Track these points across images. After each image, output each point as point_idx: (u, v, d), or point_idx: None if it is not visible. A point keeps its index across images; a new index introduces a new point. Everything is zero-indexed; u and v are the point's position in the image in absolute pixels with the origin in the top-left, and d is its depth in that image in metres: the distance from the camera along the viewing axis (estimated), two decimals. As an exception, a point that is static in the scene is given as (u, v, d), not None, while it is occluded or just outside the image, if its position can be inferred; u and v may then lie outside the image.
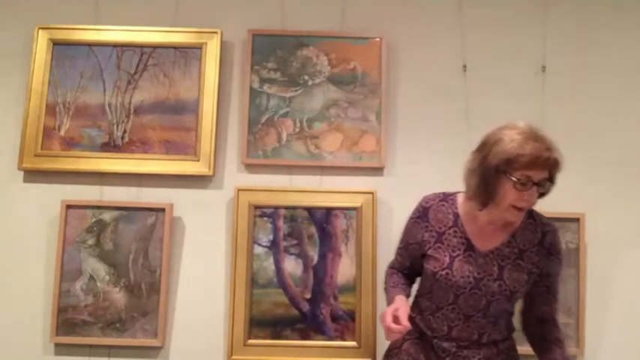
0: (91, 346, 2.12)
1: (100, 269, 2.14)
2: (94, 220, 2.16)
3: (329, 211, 2.17)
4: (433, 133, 2.25)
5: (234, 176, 2.22)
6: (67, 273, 2.13)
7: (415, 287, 1.78)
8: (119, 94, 2.23)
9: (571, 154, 2.20)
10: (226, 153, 2.24)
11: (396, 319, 1.52)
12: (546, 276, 1.64)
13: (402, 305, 1.58)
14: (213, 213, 2.20)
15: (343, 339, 2.12)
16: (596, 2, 2.32)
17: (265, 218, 2.17)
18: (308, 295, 2.14)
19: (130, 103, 2.22)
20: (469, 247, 1.62)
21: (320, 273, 2.15)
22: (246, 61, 2.25)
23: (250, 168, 2.23)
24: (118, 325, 2.11)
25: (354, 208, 2.17)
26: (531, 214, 1.65)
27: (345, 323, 2.13)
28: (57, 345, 2.13)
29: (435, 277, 1.61)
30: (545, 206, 1.92)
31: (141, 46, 2.25)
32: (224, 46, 2.27)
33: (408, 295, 1.71)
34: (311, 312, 2.13)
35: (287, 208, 2.18)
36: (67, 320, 2.11)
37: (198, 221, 2.20)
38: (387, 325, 1.51)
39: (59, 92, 2.22)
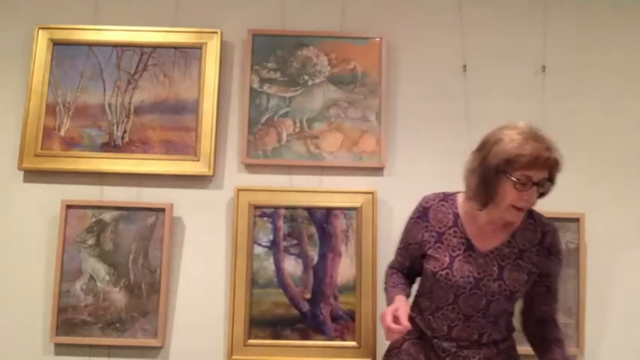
0: (91, 346, 2.12)
1: (100, 269, 2.14)
2: (94, 220, 2.16)
3: (329, 211, 2.17)
4: (433, 133, 2.25)
5: (234, 176, 2.22)
6: (67, 273, 2.13)
7: (415, 287, 1.78)
8: (119, 94, 2.23)
9: (571, 154, 2.20)
10: (226, 153, 2.24)
11: (396, 319, 1.52)
12: (546, 276, 1.65)
13: (402, 305, 1.58)
14: (213, 213, 2.20)
15: (343, 339, 2.12)
16: (596, 2, 2.32)
17: (265, 218, 2.17)
18: (308, 295, 2.14)
19: (130, 103, 2.22)
20: (469, 247, 1.62)
21: (320, 273, 2.15)
22: (246, 61, 2.25)
23: (250, 168, 2.23)
24: (118, 325, 2.11)
25: (354, 208, 2.17)
26: (531, 214, 1.65)
27: (345, 323, 2.13)
28: (57, 345, 2.13)
29: (435, 277, 1.61)
30: (545, 206, 1.92)
31: (141, 46, 2.25)
32: (224, 46, 2.27)
33: (408, 295, 1.71)
34: (311, 312, 2.13)
35: (287, 208, 2.18)
36: (67, 320, 2.11)
37: (198, 221, 2.20)
38: (387, 325, 1.51)
39: (59, 92, 2.22)
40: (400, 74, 2.28)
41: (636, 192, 2.24)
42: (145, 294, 2.13)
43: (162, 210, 2.16)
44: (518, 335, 1.72)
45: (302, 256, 2.16)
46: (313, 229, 2.17)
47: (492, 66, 2.28)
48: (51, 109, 2.21)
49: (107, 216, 2.16)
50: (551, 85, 2.27)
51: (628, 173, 2.24)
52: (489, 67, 2.28)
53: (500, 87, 2.27)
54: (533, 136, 1.49)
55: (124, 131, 2.21)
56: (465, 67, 2.28)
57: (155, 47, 2.25)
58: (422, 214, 1.69)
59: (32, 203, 2.20)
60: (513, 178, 1.48)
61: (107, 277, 2.14)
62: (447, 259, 1.61)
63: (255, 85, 2.24)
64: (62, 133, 2.21)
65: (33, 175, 2.21)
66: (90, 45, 2.25)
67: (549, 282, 1.66)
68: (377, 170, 2.22)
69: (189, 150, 2.19)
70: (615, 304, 2.18)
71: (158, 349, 2.13)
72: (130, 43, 2.25)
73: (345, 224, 2.17)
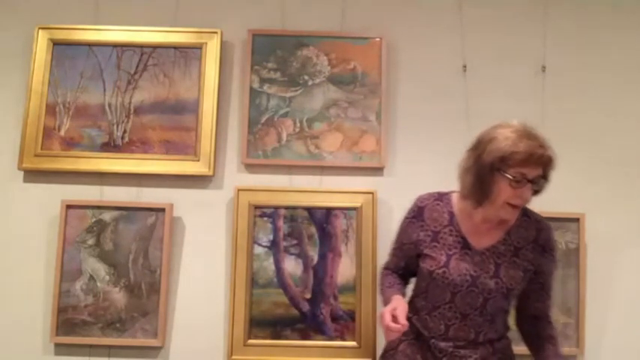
0: (91, 346, 2.12)
1: (100, 269, 2.14)
2: (94, 220, 2.16)
3: (329, 211, 2.17)
4: (433, 133, 2.25)
5: (234, 176, 2.22)
6: (67, 273, 2.13)
7: (410, 288, 1.78)
8: (119, 94, 2.23)
9: (571, 154, 2.23)
10: (226, 153, 2.24)
11: (394, 319, 1.52)
12: (541, 273, 1.66)
13: (400, 304, 1.58)
14: (213, 213, 2.20)
15: (343, 339, 2.12)
16: (596, 2, 2.32)
17: (265, 218, 2.17)
18: (308, 295, 2.14)
19: (130, 103, 2.22)
20: (465, 245, 1.63)
21: (320, 273, 2.15)
22: (246, 61, 2.25)
23: (250, 168, 2.23)
24: (118, 325, 2.11)
25: (354, 208, 2.17)
26: (525, 212, 1.67)
27: (345, 323, 2.13)
28: (57, 345, 2.13)
29: (431, 275, 1.62)
30: (546, 206, 1.92)
31: (141, 46, 2.25)
32: (224, 46, 2.27)
33: (403, 296, 1.71)
34: (311, 312, 2.13)
35: (287, 208, 2.18)
36: (67, 320, 2.11)
37: (198, 221, 2.20)
38: (386, 324, 1.51)
39: (59, 92, 2.22)
40: (400, 74, 2.28)
41: (636, 192, 2.24)
42: (145, 294, 2.13)
43: (162, 210, 2.16)
44: (514, 334, 1.73)
45: (302, 256, 2.16)
46: (313, 229, 2.17)
47: (492, 66, 2.28)
48: (51, 109, 2.21)
49: (107, 216, 2.16)
50: (551, 85, 2.27)
51: (628, 173, 2.24)
52: (489, 67, 2.28)
53: (500, 87, 2.27)
54: (526, 134, 1.51)
55: (124, 131, 2.21)
56: (465, 67, 2.28)
57: (155, 47, 2.25)
58: (417, 214, 1.70)
59: (32, 203, 2.20)
60: (508, 176, 1.50)
61: (107, 277, 2.14)
62: (444, 258, 1.62)
63: (255, 85, 2.24)
64: (62, 133, 2.21)
65: (33, 175, 2.21)
66: (90, 45, 2.25)
67: (543, 279, 1.67)
68: (377, 170, 2.22)
69: (189, 150, 2.19)
70: (615, 304, 2.18)
71: (158, 349, 2.13)
72: (130, 43, 2.25)
73: (345, 224, 2.17)
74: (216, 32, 2.25)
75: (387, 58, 2.26)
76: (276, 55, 2.26)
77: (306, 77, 2.25)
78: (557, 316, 2.11)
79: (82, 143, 2.20)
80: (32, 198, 2.20)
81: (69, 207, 2.15)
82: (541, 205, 2.04)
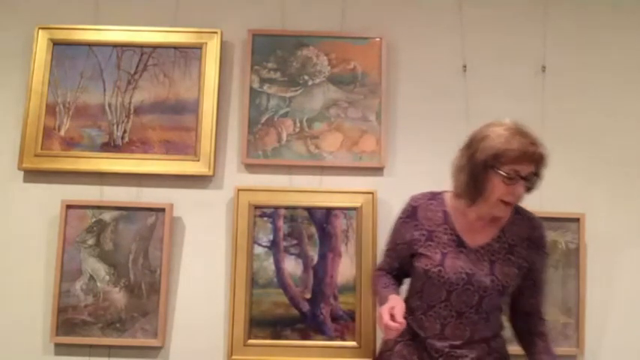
0: (91, 346, 2.12)
1: (100, 269, 2.14)
2: (94, 220, 2.16)
3: (329, 211, 2.17)
4: (433, 133, 2.25)
5: (234, 176, 2.22)
6: (67, 273, 2.13)
7: (404, 289, 1.78)
8: (119, 94, 2.23)
9: (571, 154, 2.23)
10: (226, 153, 2.24)
11: (392, 318, 1.53)
12: (534, 270, 1.67)
13: (398, 303, 1.58)
14: (213, 213, 2.20)
15: (343, 339, 2.12)
16: (596, 2, 2.32)
17: (265, 218, 2.17)
18: (308, 295, 2.14)
19: (130, 103, 2.22)
20: (460, 243, 1.64)
21: (320, 273, 2.15)
22: (246, 61, 2.25)
23: (250, 168, 2.23)
24: (118, 325, 2.11)
25: (354, 208, 2.17)
26: (518, 210, 1.68)
27: (345, 323, 2.13)
28: (57, 345, 2.13)
29: (427, 274, 1.63)
30: (546, 206, 1.92)
31: (141, 46, 2.25)
32: (224, 46, 2.27)
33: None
34: (311, 312, 2.13)
35: (287, 208, 2.18)
36: (67, 320, 2.11)
37: (198, 221, 2.20)
38: (385, 323, 1.52)
39: (59, 92, 2.22)
40: (400, 74, 2.28)
41: (636, 192, 2.24)
42: (145, 294, 2.13)
43: (162, 210, 2.16)
44: (508, 334, 1.74)
45: (302, 256, 2.16)
46: (313, 229, 2.17)
47: (492, 66, 2.28)
48: (51, 109, 2.21)
49: (107, 216, 2.16)
50: (551, 85, 2.27)
51: (628, 173, 2.24)
52: (489, 67, 2.28)
53: (500, 87, 2.27)
54: (519, 131, 1.54)
55: (124, 131, 2.21)
56: (465, 67, 2.28)
57: (155, 47, 2.25)
58: (411, 214, 1.71)
59: (32, 203, 2.20)
60: (502, 173, 1.52)
61: (107, 277, 2.14)
62: (439, 257, 1.63)
63: (255, 85, 2.24)
64: (62, 133, 2.21)
65: (33, 175, 2.21)
66: (90, 45, 2.25)
67: (536, 276, 1.69)
68: (377, 170, 2.22)
69: (189, 150, 2.19)
70: (615, 304, 2.18)
71: (158, 349, 2.13)
72: (130, 43, 2.25)
73: (345, 224, 2.17)
74: (216, 32, 2.25)
75: (387, 58, 2.26)
76: (276, 55, 2.26)
77: (306, 77, 2.25)
78: (557, 316, 2.12)
79: (82, 143, 2.20)
80: (32, 198, 2.20)
81: (69, 207, 2.15)
82: (541, 205, 2.05)
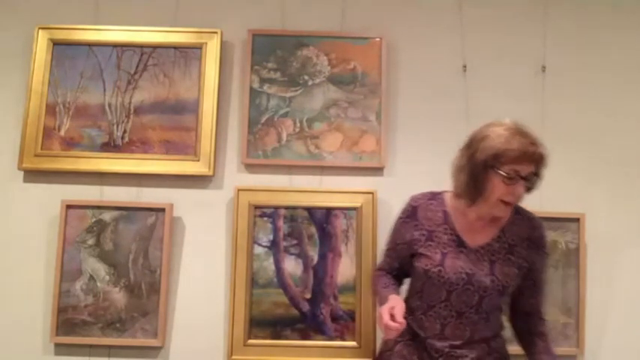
0: (91, 346, 2.12)
1: (100, 269, 2.14)
2: (94, 220, 2.16)
3: (329, 211, 2.17)
4: (433, 133, 2.25)
5: (234, 176, 2.22)
6: (67, 273, 2.13)
7: (404, 289, 1.78)
8: (119, 94, 2.23)
9: (571, 154, 2.23)
10: (226, 153, 2.24)
11: (392, 317, 1.53)
12: (534, 270, 1.67)
13: (398, 303, 1.59)
14: (213, 213, 2.20)
15: (343, 339, 2.12)
16: (596, 2, 2.32)
17: (265, 218, 2.17)
18: (308, 295, 2.14)
19: (130, 103, 2.22)
20: (460, 243, 1.64)
21: (320, 273, 2.15)
22: (246, 61, 2.25)
23: (250, 168, 2.23)
24: (118, 325, 2.11)
25: (354, 208, 2.17)
26: (517, 210, 1.68)
27: (345, 323, 2.13)
28: (57, 345, 2.13)
29: (427, 274, 1.63)
30: (546, 206, 1.92)
31: (141, 46, 2.25)
32: (224, 46, 2.27)
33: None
34: (311, 312, 2.13)
35: (287, 208, 2.18)
36: (67, 320, 2.11)
37: (198, 221, 2.20)
38: (385, 323, 1.52)
39: (59, 92, 2.22)
40: (400, 74, 2.28)
41: (636, 192, 2.24)
42: (145, 294, 2.13)
43: (163, 210, 2.16)
44: (508, 334, 1.74)
45: (302, 256, 2.16)
46: (313, 229, 2.17)
47: (492, 66, 2.28)
48: (51, 109, 2.21)
49: (107, 216, 2.16)
50: (551, 85, 2.27)
51: (628, 173, 2.24)
52: (489, 67, 2.28)
53: (500, 87, 2.27)
54: (519, 131, 1.54)
55: (124, 131, 2.21)
56: (465, 67, 2.28)
57: (155, 47, 2.25)
58: (411, 214, 1.72)
59: (32, 203, 2.20)
60: (502, 172, 1.52)
61: (107, 277, 2.14)
62: (439, 256, 1.63)
63: (255, 85, 2.24)
64: (62, 133, 2.21)
65: (33, 175, 2.21)
66: (90, 45, 2.25)
67: (536, 276, 1.69)
68: (377, 170, 2.22)
69: (189, 150, 2.19)
70: (615, 304, 2.18)
71: (158, 349, 2.13)
72: (130, 43, 2.25)
73: (345, 224, 2.17)
74: (216, 32, 2.25)
75: (387, 58, 2.26)
76: (276, 55, 2.26)
77: (306, 77, 2.25)
78: (557, 316, 2.12)
79: (82, 143, 2.20)
80: (32, 198, 2.20)
81: (69, 207, 2.15)
82: (541, 205, 2.05)
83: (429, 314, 1.65)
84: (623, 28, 2.31)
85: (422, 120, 2.26)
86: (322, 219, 2.17)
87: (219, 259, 2.18)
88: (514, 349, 1.73)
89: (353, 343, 2.11)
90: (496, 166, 1.52)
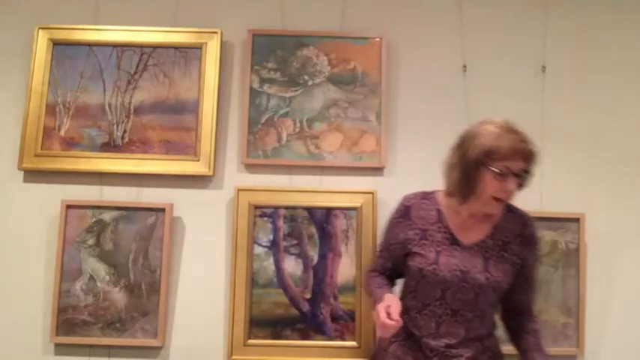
0: (91, 346, 2.12)
1: (100, 269, 2.14)
2: (94, 220, 2.16)
3: (329, 211, 2.17)
4: (433, 133, 2.24)
5: (234, 176, 2.22)
6: (67, 273, 2.13)
7: (397, 290, 1.78)
8: (119, 94, 2.23)
9: (571, 154, 2.23)
10: (226, 153, 2.24)
11: (388, 316, 1.53)
12: (526, 267, 1.68)
13: (394, 301, 1.59)
14: (213, 213, 2.20)
15: (343, 339, 2.12)
16: (596, 2, 2.32)
17: (265, 218, 2.17)
18: (308, 295, 2.14)
19: (130, 103, 2.22)
20: (453, 241, 1.65)
21: (320, 273, 2.15)
22: (246, 61, 2.25)
23: (250, 168, 2.23)
24: (118, 325, 2.11)
25: (354, 208, 2.17)
26: (509, 208, 1.69)
27: (345, 323, 2.13)
28: (57, 345, 2.13)
29: (421, 273, 1.63)
30: (546, 206, 1.92)
31: (141, 46, 2.25)
32: (224, 46, 2.27)
33: None
34: (311, 312, 2.13)
35: (287, 208, 2.18)
36: (67, 320, 2.11)
37: (198, 221, 2.20)
38: (382, 321, 1.51)
39: (59, 92, 2.22)
40: (400, 74, 2.28)
41: (636, 192, 2.24)
42: (145, 294, 2.13)
43: (163, 210, 2.16)
44: (501, 333, 1.74)
45: (302, 256, 2.16)
46: (313, 229, 2.17)
47: (492, 66, 2.28)
48: (51, 109, 2.21)
49: (107, 216, 2.16)
50: (551, 85, 2.28)
51: (628, 173, 2.24)
52: (489, 67, 2.28)
53: (500, 87, 2.27)
54: (509, 129, 1.56)
55: (124, 131, 2.21)
56: (465, 66, 2.28)
57: (155, 47, 2.25)
58: (404, 213, 1.72)
59: (32, 203, 2.20)
60: (493, 169, 1.53)
61: (107, 277, 2.14)
62: (433, 255, 1.63)
63: (255, 85, 2.24)
64: (62, 133, 2.21)
65: (33, 175, 2.21)
66: (90, 45, 2.25)
67: (528, 272, 1.70)
68: (377, 170, 2.22)
69: (189, 150, 2.19)
70: (615, 304, 2.19)
71: (158, 349, 2.13)
72: (130, 43, 2.25)
73: (345, 224, 2.17)
74: (216, 32, 2.25)
75: (387, 58, 2.26)
76: (276, 55, 2.26)
77: (306, 77, 2.25)
78: (557, 316, 2.12)
79: (82, 143, 2.20)
80: (32, 198, 2.20)
81: (69, 207, 2.15)
82: (541, 205, 2.05)
83: (424, 313, 1.65)
84: (623, 28, 2.31)
85: (422, 120, 2.26)
86: (322, 219, 2.17)
87: (219, 259, 2.18)
88: (508, 348, 1.72)
89: (353, 343, 2.11)
90: (488, 163, 1.54)
